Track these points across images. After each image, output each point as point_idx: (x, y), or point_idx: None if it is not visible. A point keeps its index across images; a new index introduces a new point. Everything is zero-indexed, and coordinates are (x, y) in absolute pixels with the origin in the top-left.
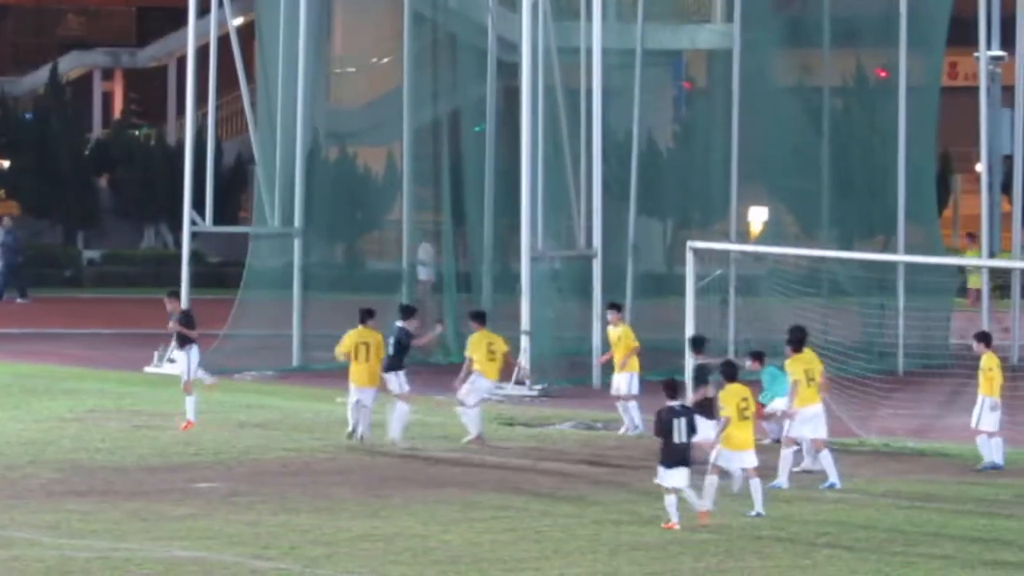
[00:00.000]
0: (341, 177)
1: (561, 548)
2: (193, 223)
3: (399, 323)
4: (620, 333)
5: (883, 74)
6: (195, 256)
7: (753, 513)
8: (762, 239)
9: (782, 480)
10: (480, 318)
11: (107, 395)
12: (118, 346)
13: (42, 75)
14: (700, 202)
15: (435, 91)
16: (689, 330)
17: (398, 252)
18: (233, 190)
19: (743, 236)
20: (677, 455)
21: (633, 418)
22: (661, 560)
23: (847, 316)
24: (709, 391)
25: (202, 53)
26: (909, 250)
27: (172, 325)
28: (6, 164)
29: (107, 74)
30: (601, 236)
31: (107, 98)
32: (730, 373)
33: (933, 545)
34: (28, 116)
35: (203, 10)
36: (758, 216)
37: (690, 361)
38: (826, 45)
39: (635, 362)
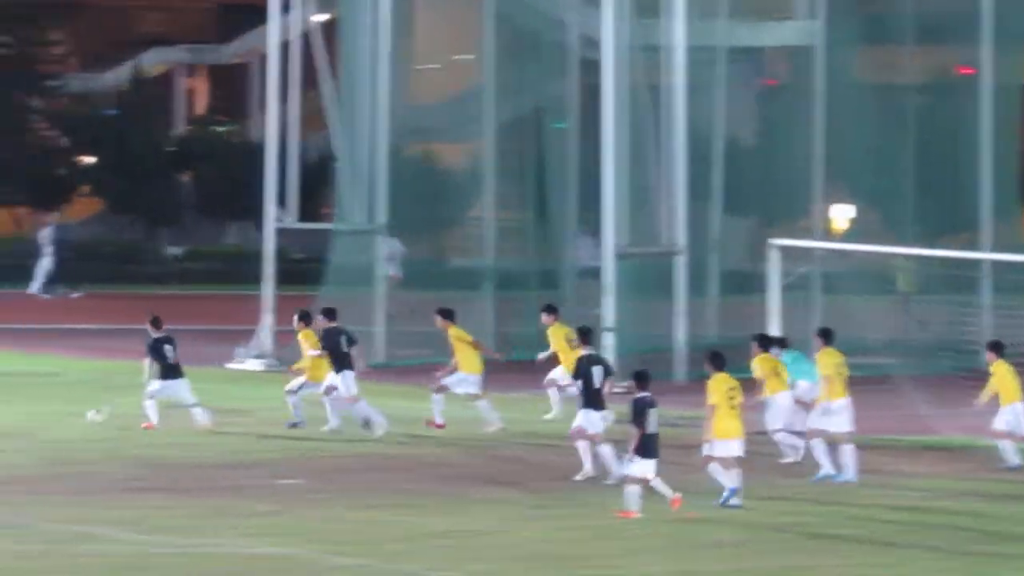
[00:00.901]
0: (423, 174)
1: (644, 545)
2: (277, 219)
3: (334, 324)
4: (553, 331)
5: (967, 71)
6: (278, 252)
7: (720, 503)
8: (845, 236)
9: (850, 475)
10: (448, 315)
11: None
12: (199, 342)
13: (124, 72)
14: (783, 199)
15: (517, 88)
16: (774, 328)
17: (481, 249)
18: (315, 187)
19: (826, 233)
20: (649, 445)
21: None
22: (740, 557)
23: (931, 313)
24: (595, 381)
25: (285, 50)
26: (994, 247)
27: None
28: (90, 161)
29: (189, 70)
30: (686, 233)
31: (189, 95)
32: (718, 364)
33: (1019, 544)
34: (110, 113)
35: (286, 6)
36: (842, 213)
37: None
38: (909, 42)
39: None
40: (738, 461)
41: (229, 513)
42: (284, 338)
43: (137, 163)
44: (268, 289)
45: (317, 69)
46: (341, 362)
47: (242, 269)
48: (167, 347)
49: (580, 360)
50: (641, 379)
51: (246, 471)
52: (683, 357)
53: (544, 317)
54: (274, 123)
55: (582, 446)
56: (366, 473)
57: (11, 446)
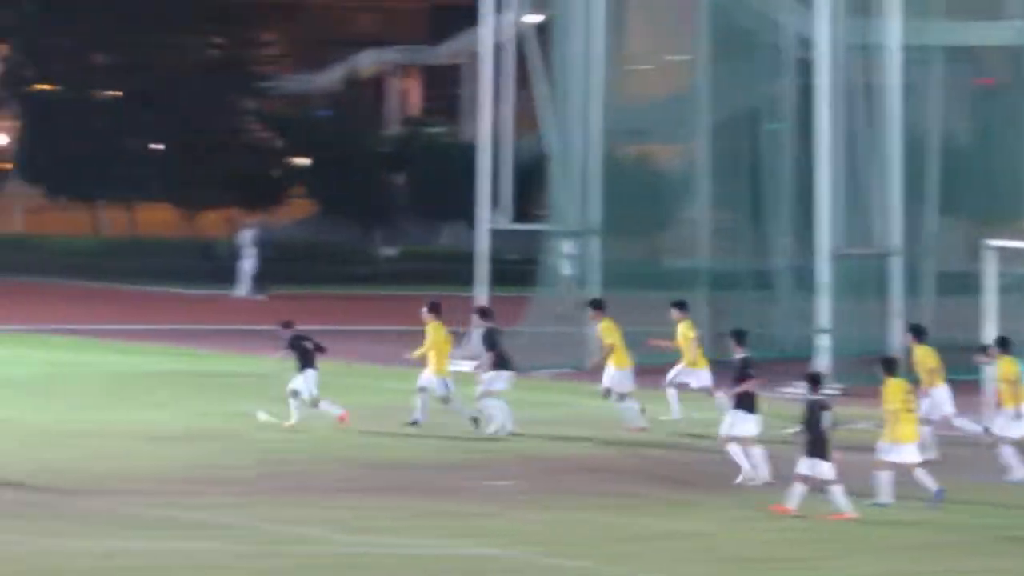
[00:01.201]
0: (636, 175)
1: (855, 547)
2: (490, 221)
3: (490, 324)
4: (683, 328)
5: None
6: (492, 254)
7: (930, 503)
8: None
9: None
10: (600, 306)
11: (399, 392)
12: (412, 343)
13: (337, 73)
14: (1000, 200)
15: (731, 88)
16: (990, 329)
17: (694, 250)
18: (529, 188)
19: None
20: (821, 447)
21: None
22: (944, 559)
23: None
24: (750, 385)
25: (499, 51)
26: None
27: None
28: (304, 162)
29: (403, 71)
30: (902, 234)
31: (402, 95)
32: (891, 369)
33: None
34: (324, 114)
35: (499, 7)
36: None
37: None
38: None
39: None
40: (923, 464)
41: (440, 514)
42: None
43: (350, 164)
44: (480, 290)
45: (530, 70)
46: (504, 362)
47: (456, 270)
48: (306, 342)
49: (742, 362)
50: (815, 381)
51: (456, 472)
52: (899, 359)
53: (674, 313)
54: (487, 124)
55: (734, 450)
56: (575, 474)
57: (227, 447)
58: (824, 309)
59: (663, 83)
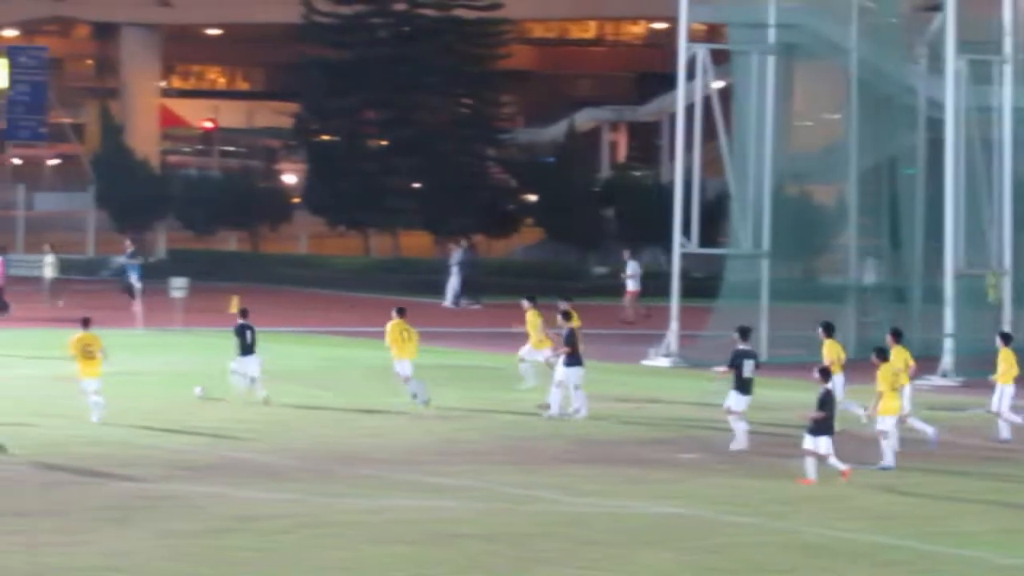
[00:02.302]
0: (799, 209)
1: (971, 509)
2: (682, 245)
3: (571, 325)
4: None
5: None
6: (683, 272)
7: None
8: None
9: None
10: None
11: (609, 383)
12: (621, 344)
13: (560, 127)
14: None
15: (875, 141)
16: None
17: (845, 270)
18: (714, 219)
19: None
20: (826, 425)
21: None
22: None
23: None
24: (745, 371)
25: (690, 110)
26: None
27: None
28: (533, 198)
29: (612, 126)
30: (1011, 258)
31: (613, 146)
32: (883, 356)
33: None
34: (549, 160)
35: (691, 75)
36: None
37: None
38: None
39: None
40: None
41: (642, 481)
42: (686, 341)
43: (570, 200)
44: (675, 303)
45: (715, 125)
46: (576, 359)
47: (654, 285)
48: (248, 332)
49: (735, 353)
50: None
51: (651, 447)
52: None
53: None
54: (680, 169)
55: (734, 421)
56: (756, 449)
57: (469, 425)
58: (949, 318)
59: (820, 136)
